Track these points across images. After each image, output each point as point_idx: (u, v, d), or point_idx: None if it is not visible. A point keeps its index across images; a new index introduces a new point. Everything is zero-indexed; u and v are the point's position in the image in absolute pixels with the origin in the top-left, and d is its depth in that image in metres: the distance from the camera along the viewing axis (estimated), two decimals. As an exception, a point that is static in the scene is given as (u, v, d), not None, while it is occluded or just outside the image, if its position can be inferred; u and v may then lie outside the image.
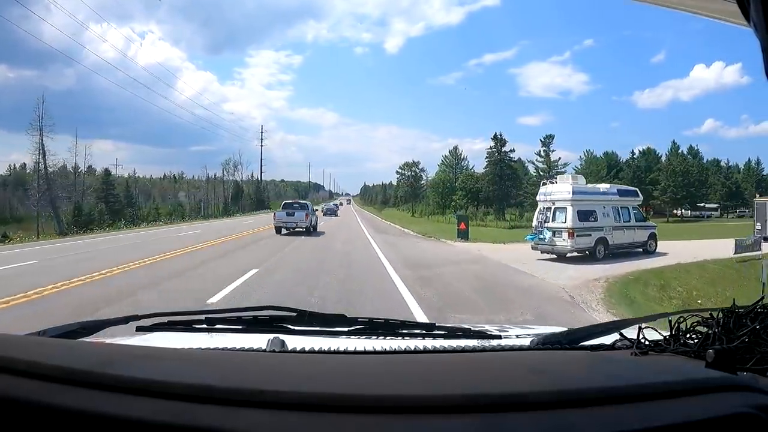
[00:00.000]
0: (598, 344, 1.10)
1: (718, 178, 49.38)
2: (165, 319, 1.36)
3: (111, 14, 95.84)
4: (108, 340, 1.31)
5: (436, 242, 22.12)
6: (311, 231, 22.37)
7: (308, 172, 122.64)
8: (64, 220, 37.81)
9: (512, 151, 50.77)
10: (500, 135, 50.68)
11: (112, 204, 45.56)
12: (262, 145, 66.77)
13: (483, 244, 20.61)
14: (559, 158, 50.85)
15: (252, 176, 67.72)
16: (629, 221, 16.02)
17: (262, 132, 67.00)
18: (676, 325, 0.99)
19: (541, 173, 50.82)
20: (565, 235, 14.59)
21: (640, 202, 17.48)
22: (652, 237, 16.68)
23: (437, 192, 54.88)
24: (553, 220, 15.04)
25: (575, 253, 14.72)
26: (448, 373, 0.88)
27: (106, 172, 48.65)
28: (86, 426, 0.65)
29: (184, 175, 65.00)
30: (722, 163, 52.17)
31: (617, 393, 0.73)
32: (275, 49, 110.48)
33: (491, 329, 1.54)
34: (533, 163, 51.51)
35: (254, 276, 10.29)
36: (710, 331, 0.91)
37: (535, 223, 15.76)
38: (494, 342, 1.25)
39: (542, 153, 50.89)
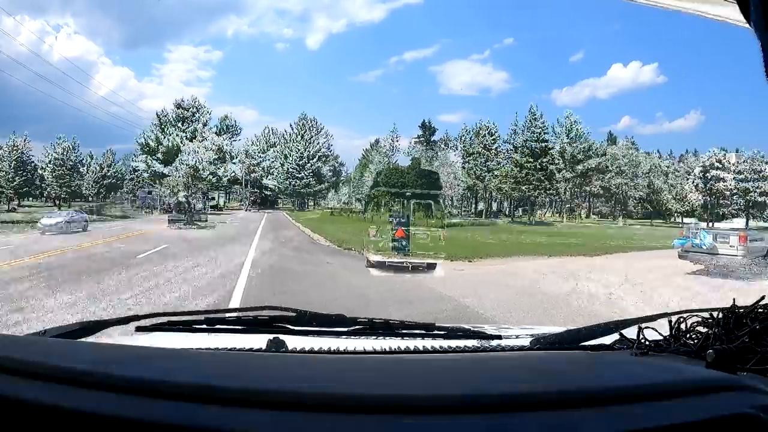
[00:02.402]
0: (598, 344, 1.10)
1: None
2: (165, 320, 1.38)
3: (23, 7, 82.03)
4: (108, 340, 1.33)
5: (362, 263, 13.52)
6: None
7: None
8: None
9: (446, 140, 45.22)
10: (429, 122, 45.02)
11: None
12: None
13: (438, 264, 12.75)
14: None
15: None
16: None
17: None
18: (676, 325, 0.99)
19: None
20: (733, 239, 10.40)
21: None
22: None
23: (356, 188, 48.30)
24: None
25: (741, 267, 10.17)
26: (448, 373, 0.88)
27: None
28: (86, 426, 0.65)
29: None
30: (662, 156, 49.78)
31: (617, 393, 0.73)
32: (194, 45, 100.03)
33: (491, 329, 1.53)
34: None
35: None
36: (710, 332, 0.92)
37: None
38: (494, 342, 1.26)
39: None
